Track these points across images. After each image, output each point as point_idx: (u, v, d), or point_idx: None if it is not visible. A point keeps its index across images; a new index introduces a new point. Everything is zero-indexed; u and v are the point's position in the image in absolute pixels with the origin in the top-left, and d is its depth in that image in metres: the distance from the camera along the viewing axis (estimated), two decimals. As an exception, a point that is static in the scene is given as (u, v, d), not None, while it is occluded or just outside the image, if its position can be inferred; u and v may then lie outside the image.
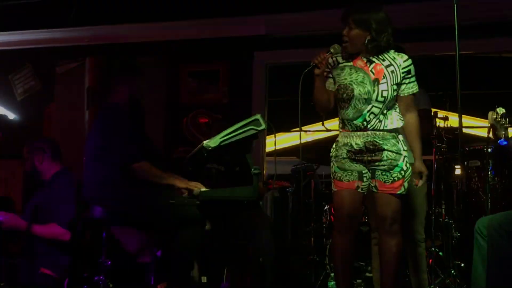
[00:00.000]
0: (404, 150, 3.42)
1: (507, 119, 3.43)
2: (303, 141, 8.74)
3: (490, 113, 3.48)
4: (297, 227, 6.22)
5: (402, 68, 3.41)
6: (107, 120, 3.78)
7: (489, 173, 4.33)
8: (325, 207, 5.61)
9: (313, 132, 8.51)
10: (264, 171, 6.44)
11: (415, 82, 3.47)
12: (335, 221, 3.57)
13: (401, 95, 3.45)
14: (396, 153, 3.38)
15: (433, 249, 5.00)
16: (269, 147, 6.84)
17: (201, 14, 6.40)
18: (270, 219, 5.93)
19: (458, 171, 5.12)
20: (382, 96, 3.37)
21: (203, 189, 3.74)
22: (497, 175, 4.39)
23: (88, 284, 3.81)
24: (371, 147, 3.37)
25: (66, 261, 4.16)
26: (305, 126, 8.71)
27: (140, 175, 3.68)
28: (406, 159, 3.43)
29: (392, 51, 3.47)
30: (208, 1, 6.34)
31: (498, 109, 3.42)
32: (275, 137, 5.15)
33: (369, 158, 3.39)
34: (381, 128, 3.40)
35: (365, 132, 3.39)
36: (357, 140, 3.41)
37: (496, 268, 3.40)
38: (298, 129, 8.58)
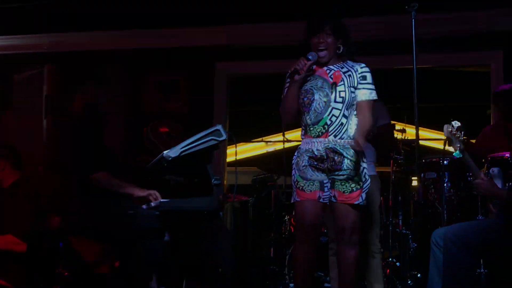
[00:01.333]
0: (363, 161, 3.47)
1: (462, 132, 3.51)
2: (263, 151, 8.77)
3: (445, 126, 3.55)
4: (257, 238, 6.23)
5: (359, 73, 3.49)
6: (64, 129, 3.74)
7: (445, 184, 4.41)
8: (285, 218, 5.63)
9: (273, 143, 8.55)
10: (225, 182, 6.44)
11: (373, 91, 3.51)
12: (296, 232, 3.57)
13: (358, 100, 3.49)
14: (356, 163, 3.43)
15: (390, 259, 5.06)
16: (230, 157, 6.84)
17: (163, 24, 6.39)
18: (230, 229, 5.92)
19: (415, 183, 5.21)
20: (340, 97, 3.44)
21: (163, 199, 3.72)
22: (453, 187, 4.47)
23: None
24: (331, 154, 3.40)
25: (22, 272, 4.08)
26: (266, 137, 8.75)
27: (100, 185, 3.65)
28: (365, 170, 3.47)
29: (350, 61, 3.56)
30: (170, 10, 6.33)
31: (453, 122, 3.49)
32: (236, 147, 5.15)
33: (329, 166, 3.41)
34: (342, 134, 3.44)
35: (326, 139, 3.43)
36: (318, 146, 3.43)
37: (451, 278, 3.45)
38: (259, 139, 8.62)
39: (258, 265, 5.54)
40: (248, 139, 8.62)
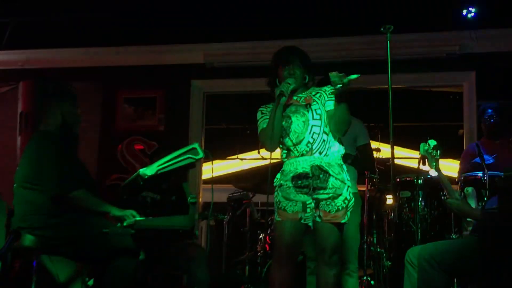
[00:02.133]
0: (347, 180, 3.50)
1: (438, 151, 3.55)
2: (238, 169, 8.77)
3: (422, 145, 3.60)
4: (232, 256, 6.21)
5: (328, 91, 3.56)
6: (38, 147, 3.69)
7: (419, 203, 4.45)
8: (260, 236, 5.62)
9: (249, 160, 8.55)
10: (200, 199, 6.42)
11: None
12: (274, 252, 3.54)
13: (328, 109, 3.52)
14: (341, 181, 3.45)
15: (364, 278, 5.08)
16: (205, 174, 6.84)
17: (139, 41, 6.39)
18: (205, 248, 5.90)
19: (389, 201, 5.25)
20: (317, 114, 3.49)
21: (138, 218, 3.70)
22: (427, 205, 4.52)
23: (16, 315, 3.69)
24: (316, 171, 3.42)
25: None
26: (241, 154, 8.75)
27: (78, 203, 3.61)
28: (349, 189, 3.49)
29: (315, 88, 3.65)
30: (146, 28, 6.33)
31: (429, 141, 3.54)
32: (212, 164, 5.14)
33: (314, 184, 3.43)
34: (327, 151, 3.46)
35: (311, 157, 3.45)
36: (303, 164, 3.45)
37: (425, 297, 3.48)
38: (235, 156, 8.62)
39: (233, 284, 5.51)
40: (223, 156, 8.61)
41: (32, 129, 5.44)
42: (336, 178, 3.43)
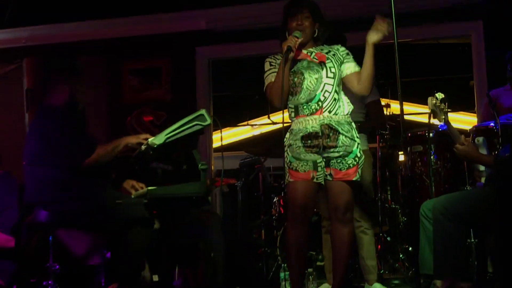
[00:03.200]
0: (357, 137, 3.48)
1: (446, 104, 3.51)
2: (249, 135, 8.76)
3: (429, 99, 3.55)
4: (247, 221, 6.24)
5: (341, 51, 3.55)
6: (46, 122, 3.68)
7: (431, 157, 4.42)
8: (274, 199, 5.64)
9: (259, 126, 8.54)
10: (212, 167, 6.42)
11: (356, 64, 3.55)
12: (288, 213, 3.53)
13: (350, 72, 3.50)
14: (351, 139, 3.43)
15: (381, 234, 5.09)
16: (216, 143, 6.83)
17: (141, 11, 6.32)
18: (220, 214, 5.92)
19: (401, 157, 5.22)
20: (331, 72, 3.45)
21: (150, 187, 3.71)
22: (439, 159, 4.49)
23: (36, 289, 3.73)
24: (326, 130, 3.40)
25: (12, 267, 4.05)
26: (251, 120, 8.74)
27: (98, 164, 3.62)
28: (359, 146, 3.47)
29: (326, 45, 3.60)
30: (147, -3, 6.28)
31: (437, 94, 3.50)
32: (221, 132, 5.14)
33: (324, 143, 3.40)
34: (337, 110, 3.44)
35: (321, 115, 3.42)
36: (313, 123, 3.42)
37: (442, 249, 3.48)
38: (244, 123, 8.62)
39: (250, 248, 5.55)
40: (233, 123, 8.61)
41: (39, 106, 5.45)
42: (345, 136, 3.41)
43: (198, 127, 3.69)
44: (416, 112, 7.87)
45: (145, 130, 6.15)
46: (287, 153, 3.48)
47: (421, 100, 7.34)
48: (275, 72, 3.47)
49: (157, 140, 3.66)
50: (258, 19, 6.04)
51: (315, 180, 3.42)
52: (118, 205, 3.60)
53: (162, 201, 3.75)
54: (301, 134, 3.43)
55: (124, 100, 6.40)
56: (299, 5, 3.52)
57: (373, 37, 3.36)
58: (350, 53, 3.57)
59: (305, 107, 3.45)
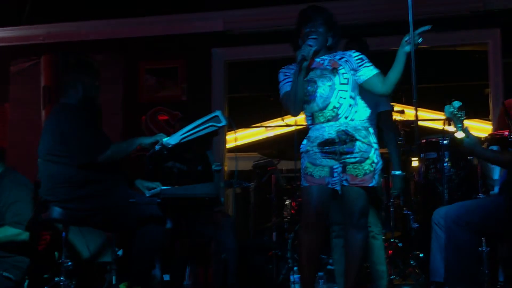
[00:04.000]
0: (374, 142, 3.46)
1: (463, 112, 3.49)
2: (263, 137, 8.76)
3: (446, 107, 3.53)
4: (259, 223, 6.24)
5: (354, 57, 3.50)
6: (61, 119, 3.70)
7: (445, 164, 4.40)
8: (286, 202, 5.63)
9: (273, 128, 8.54)
10: (225, 168, 6.44)
11: (373, 66, 3.51)
12: (302, 217, 3.50)
13: (368, 77, 3.47)
14: (368, 144, 3.41)
15: (392, 240, 5.08)
16: (230, 144, 6.85)
17: (159, 11, 6.36)
18: (232, 215, 5.94)
19: (415, 163, 5.20)
20: (344, 79, 3.43)
21: (163, 186, 3.73)
22: (453, 166, 4.47)
23: (48, 285, 3.76)
24: (343, 136, 3.40)
25: (25, 263, 4.09)
26: (265, 122, 8.74)
27: (113, 160, 3.64)
28: (376, 152, 3.45)
29: (340, 51, 3.58)
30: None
31: (454, 103, 3.47)
32: (235, 133, 5.15)
33: (340, 150, 3.40)
34: (352, 115, 3.43)
35: (337, 122, 3.42)
36: (329, 130, 3.41)
37: (453, 257, 3.47)
38: (258, 124, 8.62)
39: (261, 250, 5.55)
40: (247, 124, 8.61)
41: (55, 103, 5.49)
42: (362, 142, 3.39)
43: (213, 128, 3.71)
44: (430, 119, 7.83)
45: (160, 129, 6.21)
46: (304, 159, 3.48)
47: (436, 106, 7.32)
48: (289, 81, 3.46)
49: (172, 140, 3.68)
50: (275, 22, 6.06)
51: (330, 186, 3.43)
52: (132, 204, 3.62)
53: (175, 201, 3.76)
54: (318, 141, 3.43)
55: (140, 99, 6.44)
56: (314, 13, 3.50)
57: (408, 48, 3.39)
58: (364, 57, 3.53)
59: (320, 114, 3.44)
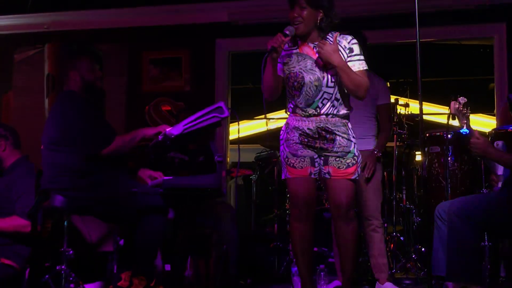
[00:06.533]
0: (353, 137, 3.44)
1: (469, 108, 3.47)
2: (265, 129, 8.76)
3: (452, 103, 3.50)
4: (261, 214, 6.24)
5: (346, 48, 3.39)
6: (66, 108, 3.70)
7: (448, 158, 4.39)
8: (288, 194, 5.63)
9: (276, 120, 8.53)
10: (228, 159, 6.44)
11: (362, 61, 3.40)
12: (291, 209, 3.52)
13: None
14: (348, 139, 3.40)
15: (394, 234, 5.07)
16: (233, 135, 6.84)
17: (163, 1, 6.34)
18: (234, 206, 5.94)
19: (418, 157, 5.20)
20: (332, 81, 3.37)
21: (166, 177, 3.72)
22: (457, 160, 4.46)
23: (50, 273, 3.76)
24: (323, 132, 3.38)
25: (27, 251, 4.09)
26: (268, 114, 8.72)
27: (118, 153, 3.64)
28: (356, 146, 3.44)
29: (337, 34, 3.44)
30: (170, -13, 6.29)
31: (459, 99, 3.45)
32: (238, 124, 5.14)
33: (321, 145, 3.39)
34: (334, 113, 3.39)
35: (318, 118, 3.39)
36: (309, 125, 3.39)
37: (455, 252, 3.46)
38: (262, 116, 8.61)
39: (262, 241, 5.56)
40: (250, 116, 8.60)
41: (59, 91, 5.48)
42: (342, 137, 3.38)
43: (216, 119, 3.69)
44: (435, 113, 7.81)
45: (162, 119, 6.20)
46: (284, 147, 3.45)
47: (441, 100, 7.31)
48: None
49: (175, 130, 3.67)
50: (279, 13, 5.99)
51: (312, 176, 3.42)
52: (134, 194, 3.62)
53: (177, 191, 3.76)
54: (298, 132, 3.41)
55: (144, 89, 6.43)
56: None
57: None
58: (356, 49, 3.40)
59: (302, 110, 3.41)
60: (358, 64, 3.39)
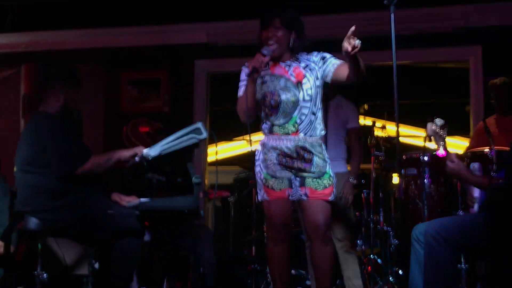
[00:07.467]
0: (327, 158, 3.46)
1: (446, 130, 3.49)
2: (245, 150, 8.74)
3: (428, 124, 3.52)
4: (239, 236, 6.20)
5: (317, 60, 3.44)
6: (40, 128, 3.65)
7: (425, 180, 4.41)
8: (265, 216, 5.61)
9: (255, 142, 8.53)
10: (206, 181, 6.41)
11: (334, 57, 3.45)
12: (268, 231, 3.50)
13: (333, 71, 3.41)
14: (323, 160, 3.41)
15: (371, 256, 5.07)
16: (211, 156, 6.81)
17: (142, 21, 6.34)
18: (211, 228, 5.90)
19: (395, 179, 5.21)
20: (308, 95, 3.39)
21: (143, 198, 3.69)
22: (433, 182, 4.47)
23: (23, 297, 3.70)
24: (301, 151, 3.38)
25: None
26: (247, 135, 8.72)
27: (93, 172, 3.60)
28: (330, 166, 3.45)
29: (304, 53, 3.49)
30: (149, 8, 6.28)
31: (436, 120, 3.47)
32: (216, 146, 5.13)
33: (299, 165, 3.38)
34: (312, 132, 3.41)
35: (296, 136, 3.39)
36: (287, 144, 3.39)
37: (432, 274, 3.45)
38: (240, 138, 8.60)
39: (240, 264, 5.52)
40: (229, 138, 8.59)
41: (33, 111, 5.43)
42: (319, 158, 3.39)
43: (194, 140, 3.68)
44: (411, 135, 7.87)
45: (140, 141, 6.17)
46: (261, 168, 3.44)
47: (417, 122, 7.36)
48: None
49: (152, 151, 3.65)
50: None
51: (290, 198, 3.41)
52: (110, 215, 3.58)
53: (154, 213, 3.73)
54: (276, 152, 3.40)
55: (122, 110, 6.40)
56: (269, 16, 3.39)
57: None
58: (325, 55, 3.45)
59: (280, 128, 3.41)
60: (336, 60, 3.43)
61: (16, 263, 4.06)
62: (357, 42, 3.12)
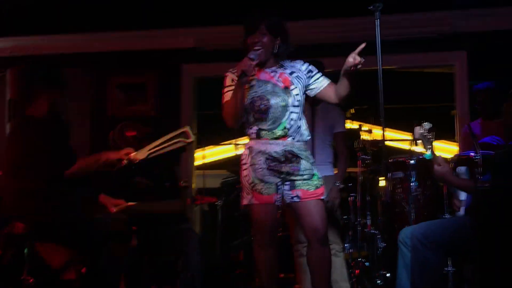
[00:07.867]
0: (313, 162, 3.50)
1: (433, 133, 3.52)
2: (232, 154, 8.75)
3: (416, 128, 3.55)
4: (226, 241, 6.20)
5: (304, 71, 3.49)
6: (25, 132, 3.64)
7: (411, 184, 4.44)
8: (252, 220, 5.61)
9: (242, 146, 8.54)
10: (193, 185, 6.40)
11: (323, 76, 3.51)
12: (256, 236, 3.50)
13: (319, 89, 3.48)
14: (310, 163, 3.45)
15: (359, 259, 5.09)
16: (198, 160, 6.81)
17: (129, 26, 6.33)
18: (199, 232, 5.89)
19: (382, 183, 5.24)
20: (297, 101, 3.43)
21: (130, 202, 3.69)
22: (420, 186, 4.50)
23: (9, 302, 3.67)
24: (289, 155, 3.39)
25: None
26: (235, 140, 8.72)
27: (79, 175, 3.58)
28: (317, 169, 3.48)
29: (288, 60, 3.53)
30: (136, 12, 6.28)
31: (424, 124, 3.50)
32: (203, 150, 5.13)
33: (287, 169, 3.39)
34: (299, 137, 3.44)
35: (285, 141, 3.41)
36: (276, 148, 3.40)
37: (419, 277, 3.48)
38: (227, 142, 8.60)
39: (228, 268, 5.52)
40: (217, 142, 8.59)
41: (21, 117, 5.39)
42: (306, 161, 3.42)
43: (181, 144, 3.69)
44: (397, 139, 7.91)
45: (127, 145, 6.12)
46: (249, 171, 3.43)
47: (403, 126, 7.40)
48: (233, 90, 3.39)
49: (140, 155, 3.65)
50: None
51: (276, 203, 3.43)
52: (97, 220, 3.57)
53: (142, 217, 3.73)
54: (265, 156, 3.40)
55: (109, 114, 6.38)
56: (255, 21, 3.42)
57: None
58: (313, 68, 3.51)
59: (268, 132, 3.42)
60: (324, 79, 3.50)
61: (3, 267, 4.03)
62: (361, 59, 3.17)
